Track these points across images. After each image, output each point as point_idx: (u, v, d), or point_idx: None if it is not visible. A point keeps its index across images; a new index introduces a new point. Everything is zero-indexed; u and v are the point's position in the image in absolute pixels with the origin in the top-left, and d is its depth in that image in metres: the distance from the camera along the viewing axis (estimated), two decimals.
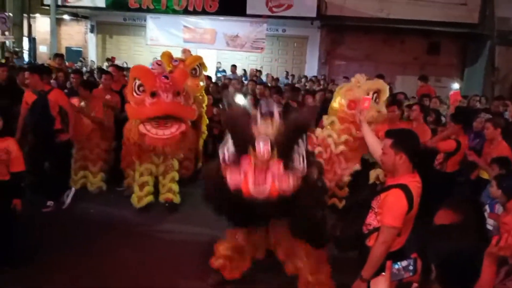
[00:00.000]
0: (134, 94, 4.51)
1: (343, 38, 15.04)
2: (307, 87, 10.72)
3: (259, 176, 2.41)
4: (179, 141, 4.68)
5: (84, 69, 12.43)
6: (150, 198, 5.31)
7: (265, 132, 2.58)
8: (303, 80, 12.40)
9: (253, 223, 2.96)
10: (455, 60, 14.67)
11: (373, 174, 5.25)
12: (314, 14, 13.22)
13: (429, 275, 1.55)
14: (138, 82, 4.49)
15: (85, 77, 7.79)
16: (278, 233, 3.27)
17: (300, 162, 2.60)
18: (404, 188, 2.51)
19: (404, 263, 1.63)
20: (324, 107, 6.69)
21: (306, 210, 2.88)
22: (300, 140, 2.62)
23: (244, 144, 2.50)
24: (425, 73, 10.93)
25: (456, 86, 11.40)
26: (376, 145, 2.98)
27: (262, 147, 2.42)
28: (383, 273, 1.67)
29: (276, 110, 2.72)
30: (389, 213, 2.51)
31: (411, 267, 1.61)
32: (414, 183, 2.58)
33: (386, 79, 9.18)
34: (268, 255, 3.62)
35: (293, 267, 3.36)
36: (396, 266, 1.63)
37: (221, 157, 2.67)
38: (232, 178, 2.46)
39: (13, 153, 3.71)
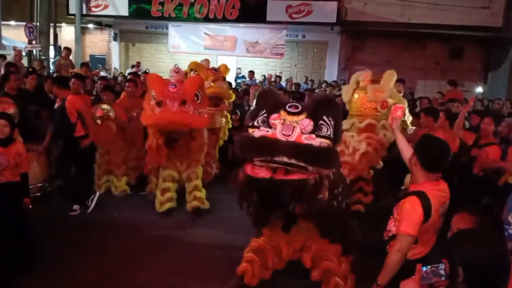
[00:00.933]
0: (151, 102, 4.64)
1: (364, 43, 14.97)
2: (327, 92, 10.70)
3: (287, 127, 2.60)
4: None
5: (108, 76, 12.71)
6: (171, 204, 5.37)
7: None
8: (323, 85, 12.38)
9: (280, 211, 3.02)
10: (478, 65, 14.41)
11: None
12: (334, 20, 13.23)
13: (457, 279, 1.56)
14: (152, 91, 4.67)
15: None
16: (306, 236, 3.30)
17: (328, 132, 2.73)
18: (421, 195, 2.49)
19: (435, 267, 1.63)
20: (345, 111, 6.71)
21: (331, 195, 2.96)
22: (326, 116, 2.76)
23: (276, 109, 2.71)
24: (447, 78, 10.78)
25: (479, 90, 11.19)
26: (408, 152, 2.94)
27: (293, 107, 2.70)
28: (413, 276, 1.68)
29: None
30: (404, 220, 2.49)
31: (442, 271, 1.61)
32: (435, 191, 2.54)
33: (407, 84, 9.14)
34: (289, 263, 3.62)
35: (320, 272, 3.37)
36: (425, 269, 1.64)
37: (249, 122, 2.86)
38: (260, 133, 2.63)
39: (23, 155, 3.86)
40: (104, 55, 17.45)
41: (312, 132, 2.65)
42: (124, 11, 14.60)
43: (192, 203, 5.38)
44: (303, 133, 2.61)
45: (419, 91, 12.80)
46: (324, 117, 2.74)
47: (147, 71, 13.40)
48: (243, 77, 14.03)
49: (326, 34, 14.68)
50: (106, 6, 14.73)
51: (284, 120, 2.64)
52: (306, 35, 15.22)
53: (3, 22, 12.33)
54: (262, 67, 15.51)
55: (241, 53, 15.03)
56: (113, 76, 13.11)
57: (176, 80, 4.68)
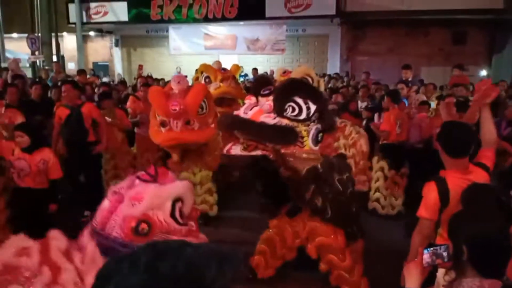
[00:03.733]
0: (157, 117, 4.49)
1: (365, 33, 14.90)
2: (330, 85, 10.67)
3: (248, 107, 3.17)
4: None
5: (110, 82, 12.77)
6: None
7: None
8: (326, 78, 12.34)
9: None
10: (482, 48, 14.27)
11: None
12: (333, 12, 13.18)
13: (461, 258, 1.56)
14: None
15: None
16: (311, 226, 3.31)
17: (294, 113, 2.91)
18: (439, 180, 2.47)
19: (436, 249, 1.63)
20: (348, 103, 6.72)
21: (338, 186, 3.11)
22: (300, 98, 2.90)
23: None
24: (451, 63, 10.66)
25: (483, 73, 11.06)
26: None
27: (266, 90, 3.09)
28: (416, 259, 1.68)
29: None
30: (421, 204, 2.52)
31: (444, 254, 1.61)
32: (460, 179, 2.43)
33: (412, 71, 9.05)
34: (299, 254, 3.64)
35: (326, 263, 3.38)
36: (427, 252, 1.64)
37: None
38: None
39: (50, 162, 3.89)
40: (107, 62, 17.55)
41: (273, 112, 2.92)
42: (124, 17, 14.67)
43: (201, 206, 5.34)
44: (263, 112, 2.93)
45: (423, 78, 12.71)
46: (296, 99, 2.88)
47: (149, 74, 13.49)
48: (246, 75, 14.02)
49: (327, 26, 14.61)
50: (105, 13, 14.82)
51: (255, 101, 3.04)
52: (307, 29, 15.16)
53: (5, 35, 12.48)
54: (264, 64, 15.50)
55: (242, 51, 15.05)
56: (117, 82, 13.16)
57: (179, 91, 4.51)
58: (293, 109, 2.86)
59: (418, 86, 8.36)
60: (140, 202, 2.11)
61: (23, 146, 3.79)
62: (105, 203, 2.19)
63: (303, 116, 2.89)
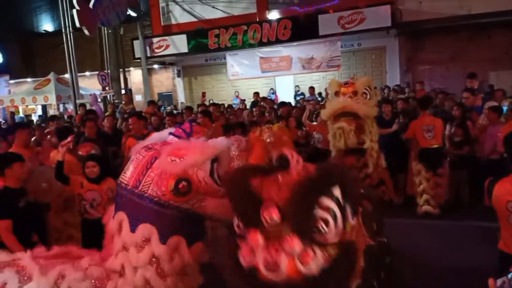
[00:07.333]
0: None
1: (424, 42, 14.45)
2: (391, 97, 10.42)
3: (270, 255, 1.84)
4: None
5: (174, 111, 13.41)
6: None
7: (274, 194, 1.95)
8: (385, 90, 12.07)
9: None
10: None
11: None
12: (389, 23, 12.88)
13: None
14: None
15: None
16: None
17: (330, 226, 1.88)
18: (491, 181, 2.68)
19: (509, 277, 1.50)
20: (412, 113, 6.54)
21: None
22: (326, 199, 1.90)
23: (252, 213, 1.91)
24: None
25: None
26: None
27: (269, 216, 1.87)
28: None
29: (295, 160, 2.06)
30: None
31: None
32: (504, 183, 2.59)
33: (479, 78, 8.64)
34: None
35: None
36: (499, 282, 1.52)
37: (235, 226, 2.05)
38: (244, 256, 1.92)
39: (115, 190, 4.16)
40: (171, 92, 18.49)
41: None
42: (184, 48, 15.45)
43: None
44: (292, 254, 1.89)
45: (492, 83, 12.02)
46: (315, 211, 1.91)
47: (211, 101, 14.03)
48: (302, 94, 14.12)
49: (383, 38, 14.34)
50: (167, 46, 15.71)
51: (264, 239, 1.90)
52: (362, 43, 14.97)
53: (79, 74, 13.64)
54: (320, 81, 15.48)
55: (298, 71, 15.14)
56: (181, 110, 13.80)
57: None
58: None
59: (486, 92, 7.97)
60: (181, 158, 1.97)
61: (92, 177, 4.05)
62: (138, 158, 2.05)
63: None
